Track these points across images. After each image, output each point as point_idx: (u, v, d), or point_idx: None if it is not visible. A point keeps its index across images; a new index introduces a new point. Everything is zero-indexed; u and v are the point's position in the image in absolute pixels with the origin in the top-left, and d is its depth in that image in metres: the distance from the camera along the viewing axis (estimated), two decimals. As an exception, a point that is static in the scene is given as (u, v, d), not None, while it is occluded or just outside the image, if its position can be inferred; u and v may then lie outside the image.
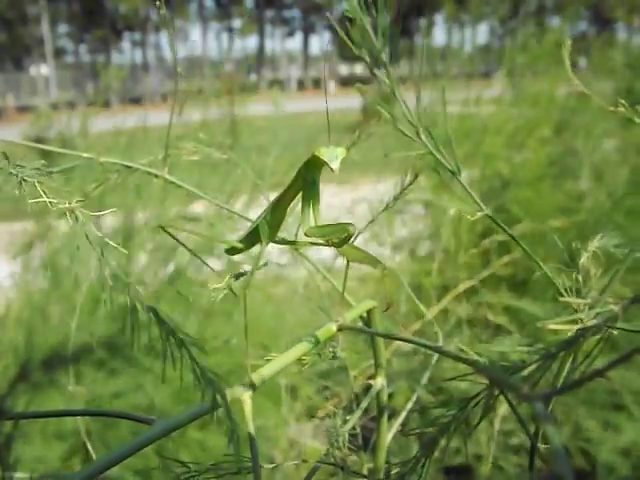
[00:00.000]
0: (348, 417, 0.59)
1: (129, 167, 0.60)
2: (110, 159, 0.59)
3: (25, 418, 0.82)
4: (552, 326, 0.36)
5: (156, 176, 0.62)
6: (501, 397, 0.44)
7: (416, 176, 0.65)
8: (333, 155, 0.53)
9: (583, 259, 0.58)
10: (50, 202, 0.42)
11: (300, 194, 0.58)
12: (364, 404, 0.60)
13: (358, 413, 0.59)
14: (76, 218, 0.42)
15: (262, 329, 2.36)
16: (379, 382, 0.67)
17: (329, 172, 0.54)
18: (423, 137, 0.52)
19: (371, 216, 0.75)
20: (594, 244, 0.62)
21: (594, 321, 0.39)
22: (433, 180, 3.07)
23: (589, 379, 0.32)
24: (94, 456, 0.81)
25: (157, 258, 2.65)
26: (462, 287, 2.52)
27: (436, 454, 0.58)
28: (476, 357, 0.50)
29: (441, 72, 4.24)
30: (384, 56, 0.48)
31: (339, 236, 0.54)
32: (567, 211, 2.95)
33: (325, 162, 0.53)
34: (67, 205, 0.42)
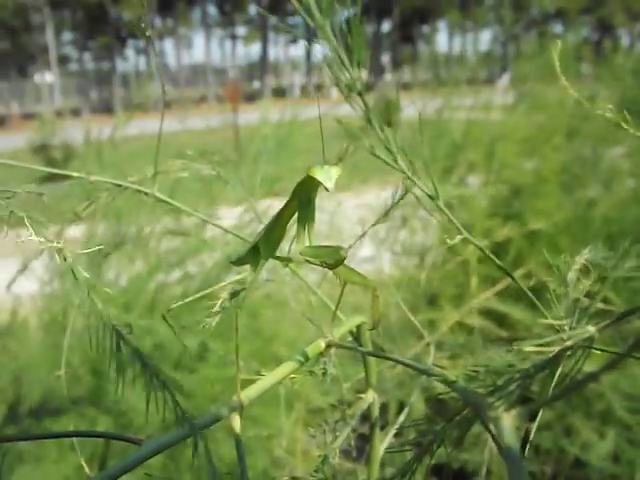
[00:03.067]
0: (338, 433, 0.59)
1: (119, 185, 0.61)
2: (100, 178, 0.60)
3: (12, 441, 0.82)
4: (528, 348, 0.36)
5: (146, 194, 0.63)
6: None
7: (406, 192, 0.65)
8: (328, 175, 0.53)
9: (571, 273, 0.58)
10: (38, 240, 0.43)
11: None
12: (353, 421, 0.60)
13: (347, 430, 0.59)
14: (64, 258, 0.42)
15: (281, 341, 2.35)
16: (370, 396, 0.67)
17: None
18: (401, 163, 0.52)
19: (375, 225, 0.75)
20: (582, 257, 0.62)
21: (572, 341, 0.39)
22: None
23: (562, 396, 0.32)
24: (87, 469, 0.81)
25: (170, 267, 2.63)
26: (478, 299, 2.48)
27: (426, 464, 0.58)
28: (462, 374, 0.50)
29: (446, 79, 4.23)
30: (359, 85, 0.49)
31: (332, 258, 0.53)
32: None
33: (320, 182, 0.53)
34: (55, 244, 0.42)
